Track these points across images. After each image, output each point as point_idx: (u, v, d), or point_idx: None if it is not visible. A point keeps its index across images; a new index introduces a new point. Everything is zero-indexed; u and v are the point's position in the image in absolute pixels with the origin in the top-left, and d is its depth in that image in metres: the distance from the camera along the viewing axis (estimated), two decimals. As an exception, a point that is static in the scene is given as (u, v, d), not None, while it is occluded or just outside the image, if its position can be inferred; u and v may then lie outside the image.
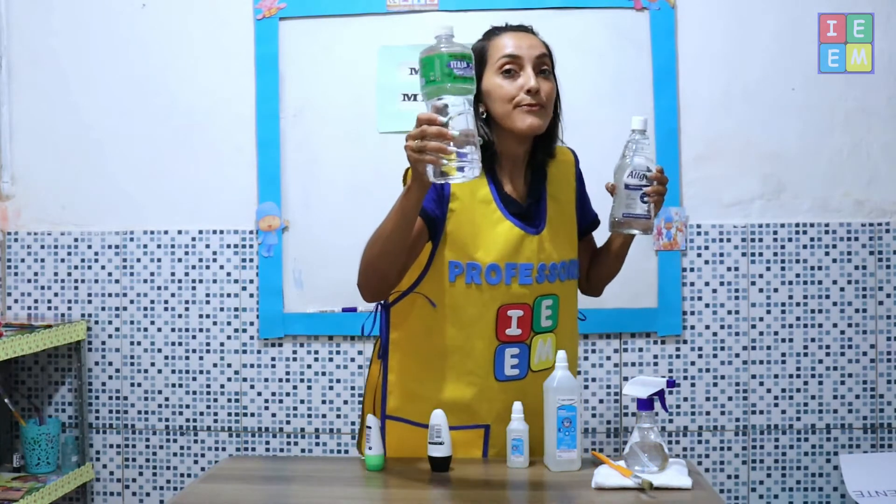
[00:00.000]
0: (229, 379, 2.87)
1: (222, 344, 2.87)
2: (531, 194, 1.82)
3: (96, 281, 2.90)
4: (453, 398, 1.78)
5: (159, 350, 2.88)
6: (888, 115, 2.75)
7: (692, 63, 2.76)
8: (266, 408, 2.86)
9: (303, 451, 2.85)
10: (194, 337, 2.87)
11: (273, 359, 2.85)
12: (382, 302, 1.85)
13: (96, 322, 2.90)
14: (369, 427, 1.76)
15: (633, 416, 1.74)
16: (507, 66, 1.75)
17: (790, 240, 2.76)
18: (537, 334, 1.81)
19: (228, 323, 2.86)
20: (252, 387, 2.86)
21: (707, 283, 2.77)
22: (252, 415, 2.86)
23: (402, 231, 1.65)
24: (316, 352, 2.84)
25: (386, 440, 1.82)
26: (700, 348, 2.77)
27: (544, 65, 1.78)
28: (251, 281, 2.85)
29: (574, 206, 1.89)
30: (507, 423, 1.74)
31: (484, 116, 1.77)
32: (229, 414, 2.87)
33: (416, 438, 1.79)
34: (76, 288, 2.90)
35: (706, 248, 2.77)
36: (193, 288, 2.87)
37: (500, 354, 1.78)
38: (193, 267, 2.87)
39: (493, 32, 1.82)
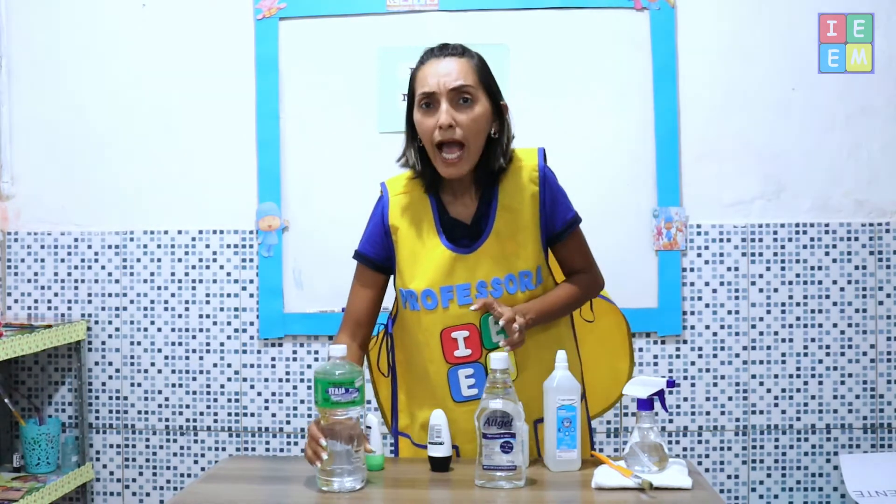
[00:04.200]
0: (229, 379, 2.87)
1: (222, 344, 2.87)
2: (478, 211, 1.80)
3: (96, 281, 2.90)
4: (427, 419, 1.79)
5: (159, 350, 2.88)
6: (888, 115, 2.75)
7: (692, 63, 2.76)
8: (266, 408, 2.86)
9: (303, 451, 2.84)
10: (194, 337, 2.87)
11: (273, 359, 2.85)
12: (387, 324, 1.94)
13: (96, 322, 2.90)
14: (369, 427, 1.77)
15: (633, 416, 1.74)
16: (424, 102, 1.75)
17: (790, 240, 2.76)
18: (491, 351, 1.75)
19: (228, 323, 2.86)
20: (252, 387, 2.86)
21: (707, 283, 2.77)
22: (252, 415, 2.86)
23: None
24: (316, 352, 2.84)
25: (399, 454, 1.95)
26: (700, 348, 2.77)
27: (464, 93, 1.73)
28: (251, 281, 2.85)
29: (533, 211, 1.80)
30: (475, 443, 1.68)
31: (420, 145, 1.79)
32: (229, 414, 2.87)
33: (423, 458, 1.82)
34: (76, 288, 2.90)
35: (706, 248, 2.77)
36: (193, 288, 2.87)
37: (453, 377, 1.79)
38: (193, 267, 2.87)
39: (420, 61, 1.79)
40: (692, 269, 2.77)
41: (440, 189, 1.82)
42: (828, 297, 2.76)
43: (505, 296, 1.77)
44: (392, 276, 1.87)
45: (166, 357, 2.88)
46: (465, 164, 1.74)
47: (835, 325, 2.76)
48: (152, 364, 2.89)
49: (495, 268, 1.77)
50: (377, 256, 1.85)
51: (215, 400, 2.87)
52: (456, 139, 1.72)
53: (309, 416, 2.84)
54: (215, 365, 2.87)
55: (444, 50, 1.78)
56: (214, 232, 2.87)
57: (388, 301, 1.92)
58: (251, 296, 2.86)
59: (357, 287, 1.89)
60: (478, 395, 1.76)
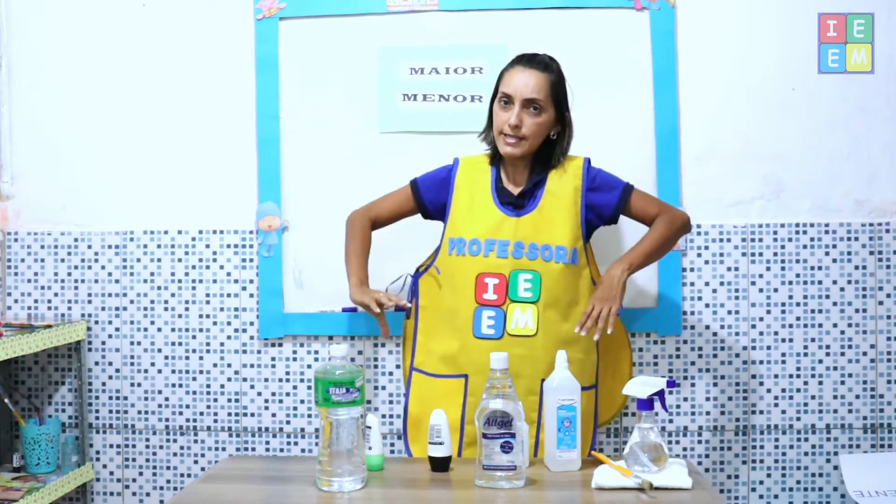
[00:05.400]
0: (229, 379, 2.87)
1: (222, 344, 2.87)
2: (526, 188, 2.20)
3: (96, 281, 2.90)
4: (446, 351, 2.19)
5: (159, 350, 2.88)
6: (888, 115, 2.75)
7: (692, 63, 2.76)
8: (266, 408, 2.86)
9: (303, 451, 2.85)
10: (194, 337, 2.87)
11: (273, 359, 2.85)
12: (413, 274, 2.35)
13: (96, 322, 2.90)
14: (369, 427, 1.77)
15: (633, 416, 1.74)
16: (503, 100, 2.18)
17: (790, 240, 2.76)
18: (514, 302, 2.13)
19: (228, 323, 2.86)
20: (252, 387, 2.86)
21: (707, 283, 2.77)
22: (252, 415, 2.86)
23: None
24: (316, 352, 2.84)
25: (410, 389, 2.28)
26: (700, 348, 2.78)
27: (535, 104, 2.14)
28: (251, 281, 2.85)
29: (574, 199, 2.20)
30: (484, 375, 1.78)
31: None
32: (229, 414, 2.87)
33: (430, 387, 2.21)
34: (76, 288, 2.90)
35: (706, 248, 2.77)
36: (193, 288, 2.87)
37: (477, 314, 2.14)
38: (193, 267, 2.87)
39: (511, 64, 2.21)
40: (692, 269, 2.77)
41: (500, 167, 2.25)
42: (828, 297, 2.76)
43: (539, 261, 2.14)
44: (443, 226, 2.25)
45: (166, 357, 2.88)
46: (520, 149, 2.16)
47: (835, 325, 2.76)
48: (152, 364, 2.89)
49: (534, 235, 2.15)
50: (425, 194, 2.29)
51: (215, 400, 2.87)
52: (519, 136, 2.15)
53: (309, 416, 2.84)
54: (215, 365, 2.87)
55: (531, 61, 2.18)
56: (214, 232, 2.87)
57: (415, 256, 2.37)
58: (251, 296, 2.86)
59: (394, 196, 2.35)
60: (495, 335, 2.11)
